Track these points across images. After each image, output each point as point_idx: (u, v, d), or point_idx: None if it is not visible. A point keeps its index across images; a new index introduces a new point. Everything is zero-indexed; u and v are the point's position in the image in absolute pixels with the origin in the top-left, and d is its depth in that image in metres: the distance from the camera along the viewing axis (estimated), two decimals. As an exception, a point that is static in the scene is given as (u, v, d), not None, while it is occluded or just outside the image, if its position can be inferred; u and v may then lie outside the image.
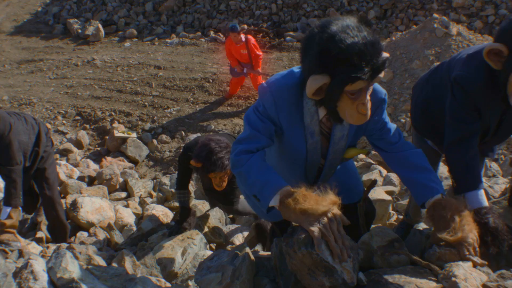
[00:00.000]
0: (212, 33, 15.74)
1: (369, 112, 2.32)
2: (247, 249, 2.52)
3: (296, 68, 2.55)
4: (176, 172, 5.17)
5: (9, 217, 4.85)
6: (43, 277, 2.31)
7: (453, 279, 2.01)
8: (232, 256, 2.45)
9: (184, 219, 4.78)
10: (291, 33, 15.01)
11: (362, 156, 7.21)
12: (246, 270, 2.40)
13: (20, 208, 5.04)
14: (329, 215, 2.20)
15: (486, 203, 2.76)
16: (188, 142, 4.78)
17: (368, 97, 2.29)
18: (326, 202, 2.23)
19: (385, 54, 2.27)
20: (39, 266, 2.35)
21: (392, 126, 2.81)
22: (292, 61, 13.46)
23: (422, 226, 4.06)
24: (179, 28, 16.46)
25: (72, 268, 2.31)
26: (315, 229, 2.15)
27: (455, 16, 13.79)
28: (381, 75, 2.24)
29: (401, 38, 11.17)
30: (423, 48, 10.46)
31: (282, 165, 2.91)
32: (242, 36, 10.66)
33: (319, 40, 2.17)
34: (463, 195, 2.82)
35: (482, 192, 2.80)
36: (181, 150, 4.77)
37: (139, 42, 15.98)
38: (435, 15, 11.41)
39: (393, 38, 11.58)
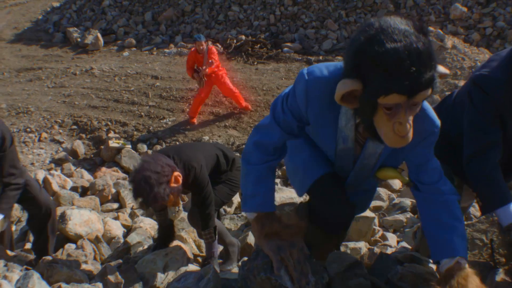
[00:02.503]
0: (210, 43, 15.79)
1: (409, 135, 2.02)
2: (214, 271, 2.54)
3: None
4: None
5: None
6: (11, 297, 2.35)
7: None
8: (198, 278, 2.48)
9: (162, 237, 4.67)
10: (288, 44, 15.05)
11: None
12: (210, 292, 2.43)
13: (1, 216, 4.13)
14: (291, 241, 2.21)
15: None
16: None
17: (410, 118, 2.00)
18: (289, 230, 2.24)
19: (440, 70, 2.01)
20: (8, 286, 2.39)
21: (434, 165, 2.47)
22: (289, 72, 13.48)
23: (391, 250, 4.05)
24: (177, 38, 16.51)
25: (38, 289, 2.35)
26: (275, 253, 2.18)
27: (452, 28, 13.83)
28: (426, 93, 1.93)
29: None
30: (417, 61, 10.48)
31: (316, 151, 2.74)
32: (204, 44, 11.21)
33: (358, 38, 1.93)
34: (493, 214, 2.63)
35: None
36: None
37: (137, 52, 16.04)
38: (431, 28, 11.46)
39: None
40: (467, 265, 2.29)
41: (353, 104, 2.05)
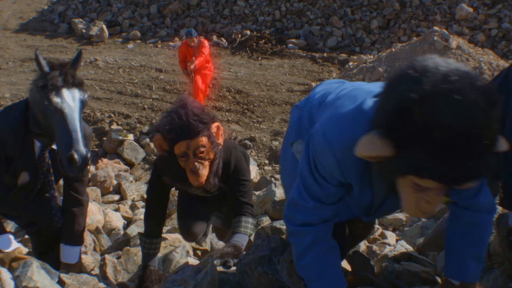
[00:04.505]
0: (215, 37, 15.79)
1: (434, 211, 1.65)
2: (212, 265, 2.55)
3: (369, 102, 1.82)
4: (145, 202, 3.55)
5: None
6: (10, 285, 2.36)
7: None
8: (196, 270, 2.49)
9: (144, 284, 3.34)
10: (293, 40, 15.07)
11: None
12: (207, 285, 2.44)
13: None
14: None
15: None
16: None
17: (441, 197, 1.61)
18: None
19: (500, 146, 1.53)
20: (7, 274, 2.41)
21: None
22: (293, 68, 13.49)
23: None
24: (182, 32, 16.48)
25: (37, 277, 2.37)
26: None
27: (458, 29, 13.81)
28: (473, 183, 1.52)
29: (401, 50, 11.21)
30: (422, 61, 10.47)
31: None
32: (196, 40, 10.80)
33: (406, 91, 1.45)
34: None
35: None
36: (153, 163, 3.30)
37: (142, 44, 16.06)
38: (436, 28, 11.46)
39: (393, 50, 11.62)
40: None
41: (377, 159, 1.61)
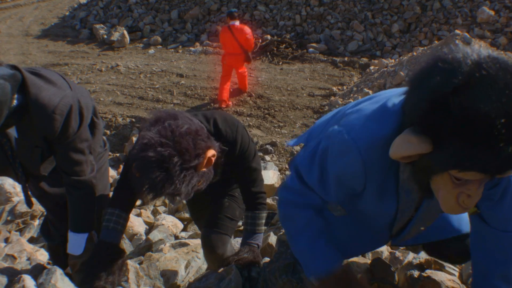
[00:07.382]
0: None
1: (474, 204, 1.55)
2: (235, 271, 2.55)
3: (394, 99, 1.73)
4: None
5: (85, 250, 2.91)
6: (34, 292, 2.37)
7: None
8: (219, 278, 2.49)
9: (100, 263, 2.66)
10: (314, 44, 15.04)
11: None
12: (231, 293, 2.44)
13: (94, 233, 3.05)
14: None
15: None
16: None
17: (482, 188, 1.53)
18: None
19: None
20: (31, 281, 2.42)
21: None
22: (314, 72, 13.45)
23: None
24: (203, 37, 16.58)
25: (61, 285, 2.37)
26: None
27: (479, 32, 13.69)
28: None
29: (422, 54, 11.12)
30: (443, 65, 10.37)
31: (345, 224, 2.21)
32: (237, 23, 11.36)
33: (439, 83, 1.39)
34: None
35: None
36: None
37: (163, 50, 16.13)
38: (457, 31, 11.36)
39: (414, 53, 11.54)
40: None
41: (411, 159, 1.54)
